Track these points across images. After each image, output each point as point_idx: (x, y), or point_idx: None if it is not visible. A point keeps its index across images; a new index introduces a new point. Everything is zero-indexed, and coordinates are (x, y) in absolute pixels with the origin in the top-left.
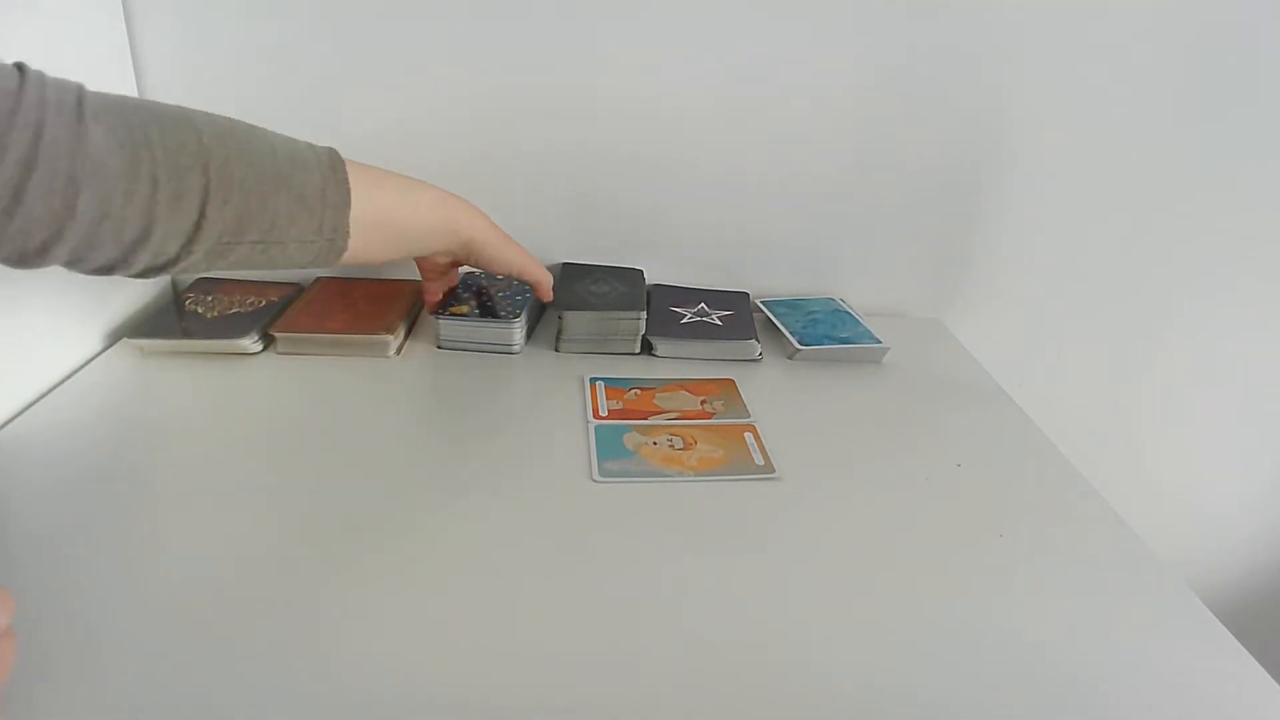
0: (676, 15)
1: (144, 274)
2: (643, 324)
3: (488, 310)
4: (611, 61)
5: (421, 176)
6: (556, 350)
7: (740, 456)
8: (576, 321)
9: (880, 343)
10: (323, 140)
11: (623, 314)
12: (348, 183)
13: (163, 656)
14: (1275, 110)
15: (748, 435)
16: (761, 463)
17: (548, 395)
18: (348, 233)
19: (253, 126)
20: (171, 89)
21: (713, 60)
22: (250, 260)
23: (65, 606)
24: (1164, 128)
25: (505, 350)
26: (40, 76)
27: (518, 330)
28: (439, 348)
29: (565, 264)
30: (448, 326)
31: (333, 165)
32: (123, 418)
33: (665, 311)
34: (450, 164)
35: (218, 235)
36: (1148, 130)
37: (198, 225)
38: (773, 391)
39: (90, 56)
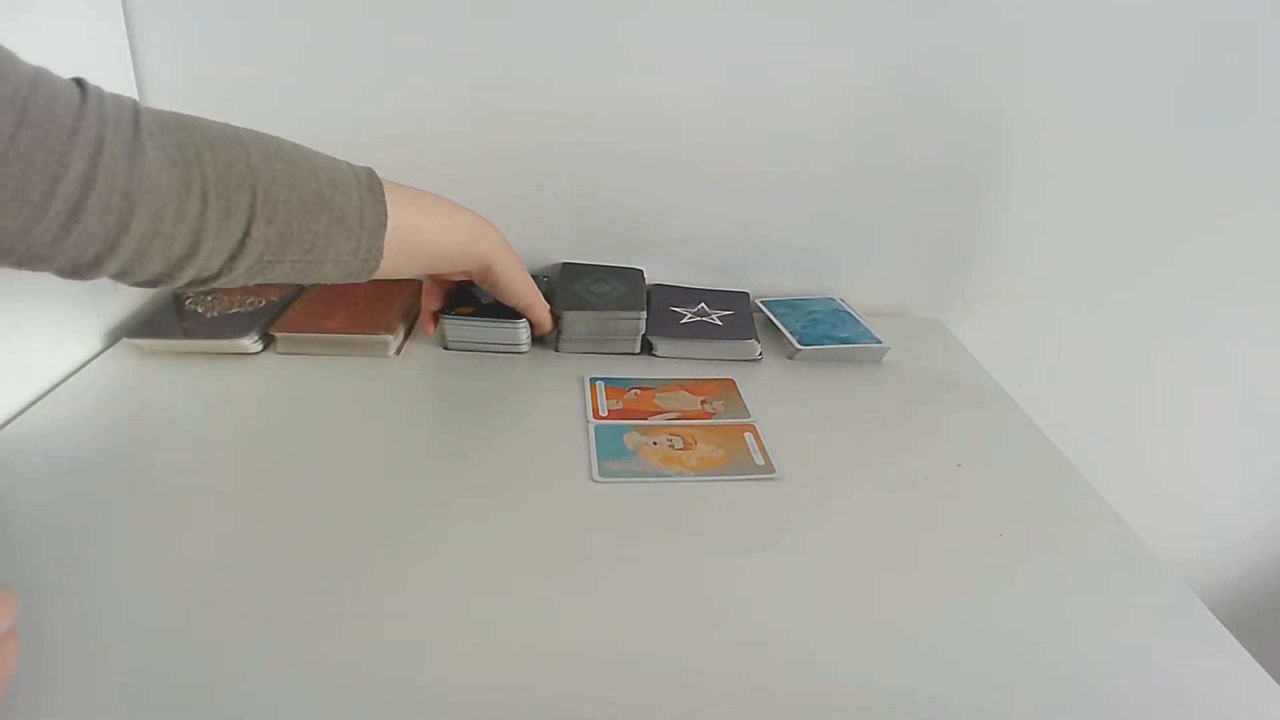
0: (676, 15)
1: (187, 288)
2: (643, 324)
3: (493, 310)
4: (611, 61)
5: (422, 176)
6: (556, 350)
7: (740, 456)
8: (576, 321)
9: (880, 343)
10: (323, 140)
11: (623, 314)
12: (385, 205)
13: (163, 656)
14: (1275, 110)
15: (748, 435)
16: (761, 463)
17: (548, 395)
18: (381, 254)
19: (296, 146)
20: (171, 89)
21: (713, 60)
22: (287, 277)
23: (66, 606)
24: (1164, 128)
25: (513, 350)
26: (99, 93)
27: (523, 330)
28: (445, 348)
29: (565, 264)
30: (454, 327)
31: (371, 187)
32: (123, 417)
33: (665, 311)
34: (450, 164)
35: (260, 254)
36: (1148, 130)
37: (242, 244)
38: (773, 391)
39: (90, 56)
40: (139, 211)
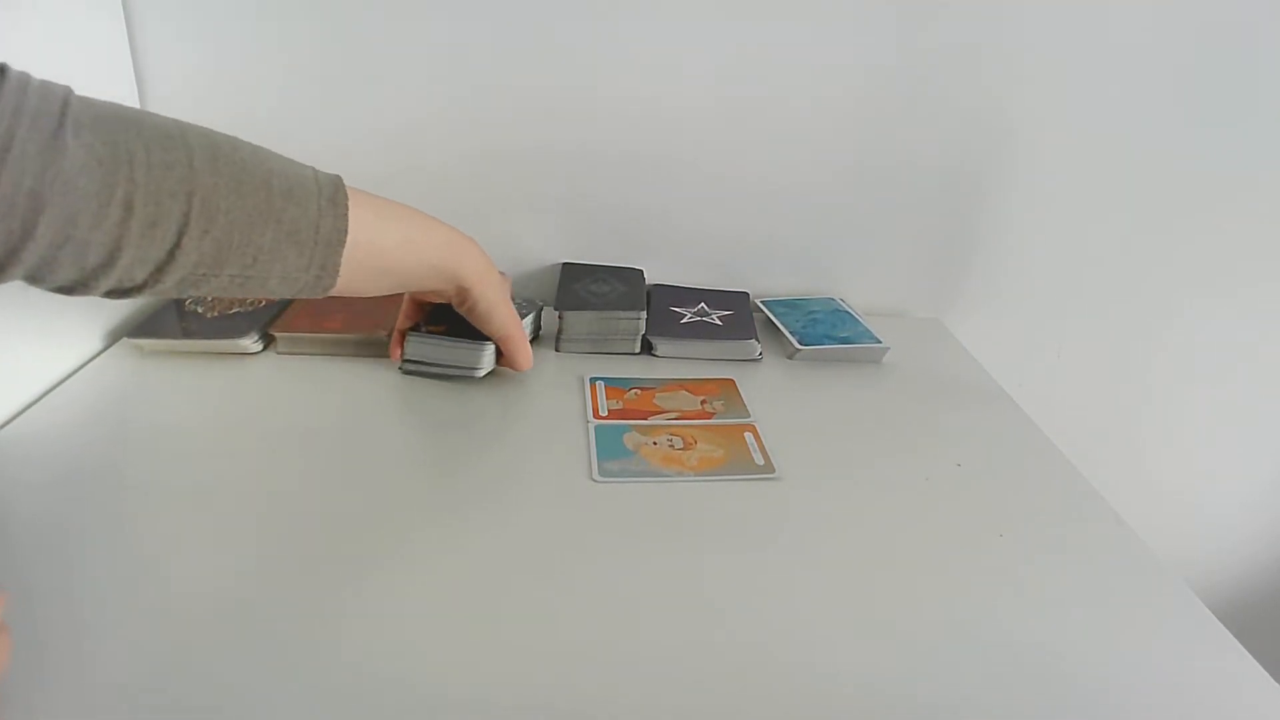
0: (676, 15)
1: (108, 296)
2: (643, 324)
3: (466, 331)
4: (611, 61)
5: (421, 176)
6: (556, 350)
7: (740, 456)
8: (576, 321)
9: (880, 343)
10: (322, 140)
11: (623, 314)
12: (346, 218)
13: (161, 657)
14: (1275, 110)
15: (748, 435)
16: (761, 463)
17: (547, 395)
18: (337, 270)
19: (255, 148)
20: (171, 89)
21: (713, 60)
22: (227, 291)
23: (65, 606)
24: (1164, 128)
25: (469, 374)
26: (22, 81)
27: (487, 354)
28: (401, 370)
29: (565, 264)
30: (414, 344)
31: (333, 198)
32: (123, 418)
33: (665, 311)
34: (450, 164)
35: (192, 266)
36: (1148, 130)
37: (171, 255)
38: (773, 391)
39: (90, 56)
40: (47, 214)
